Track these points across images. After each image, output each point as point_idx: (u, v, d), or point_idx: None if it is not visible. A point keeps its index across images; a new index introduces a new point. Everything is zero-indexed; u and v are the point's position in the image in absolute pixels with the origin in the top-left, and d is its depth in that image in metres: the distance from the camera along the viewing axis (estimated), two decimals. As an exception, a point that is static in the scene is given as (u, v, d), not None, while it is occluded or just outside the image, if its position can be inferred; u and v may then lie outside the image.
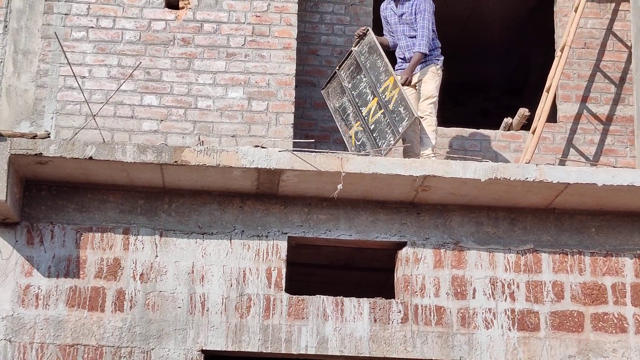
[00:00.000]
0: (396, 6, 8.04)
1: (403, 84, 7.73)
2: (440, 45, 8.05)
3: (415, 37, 7.91)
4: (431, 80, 7.95)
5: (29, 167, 6.89)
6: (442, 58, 8.04)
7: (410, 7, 7.96)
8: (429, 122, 7.81)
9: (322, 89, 8.30)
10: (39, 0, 7.80)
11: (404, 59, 7.96)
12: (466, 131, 8.64)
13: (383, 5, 8.22)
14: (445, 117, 8.82)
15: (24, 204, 7.13)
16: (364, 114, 7.82)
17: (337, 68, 8.19)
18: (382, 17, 8.18)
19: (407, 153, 7.71)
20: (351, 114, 8.01)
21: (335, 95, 8.21)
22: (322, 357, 7.13)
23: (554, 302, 7.23)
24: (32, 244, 7.08)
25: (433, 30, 7.99)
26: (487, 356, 7.07)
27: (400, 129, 7.41)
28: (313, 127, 8.45)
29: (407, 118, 7.41)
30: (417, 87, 7.93)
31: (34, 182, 7.14)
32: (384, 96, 7.61)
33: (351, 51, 8.04)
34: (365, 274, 8.59)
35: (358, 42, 8.00)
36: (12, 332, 6.89)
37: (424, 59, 7.99)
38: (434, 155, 7.70)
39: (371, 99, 7.79)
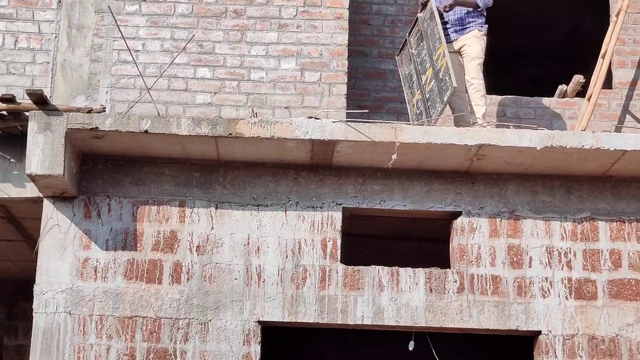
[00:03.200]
0: None
1: (445, 8, 7.96)
2: (485, 14, 8.15)
3: None
4: (476, 43, 8.01)
5: (85, 142, 7.06)
6: (486, 26, 8.10)
7: None
8: (477, 87, 7.89)
9: (397, 55, 8.44)
10: (93, -26, 7.80)
11: (446, 23, 8.09)
12: (520, 99, 8.69)
13: None
14: (496, 85, 8.84)
15: (81, 177, 7.28)
16: (422, 82, 7.92)
17: (408, 35, 8.31)
18: None
19: (458, 122, 7.75)
20: (415, 82, 8.11)
21: (406, 62, 8.34)
22: (378, 327, 7.30)
23: (611, 270, 7.26)
24: (89, 218, 7.27)
25: None
26: (544, 325, 7.14)
27: (445, 98, 7.51)
28: (366, 97, 8.48)
29: (450, 87, 7.47)
30: (461, 53, 8.06)
31: (90, 156, 7.33)
32: (437, 64, 7.69)
33: (417, 18, 8.11)
34: (420, 244, 8.67)
35: (422, 9, 8.07)
36: (71, 305, 7.07)
37: (468, 25, 8.10)
38: (487, 123, 7.73)
39: (428, 66, 7.87)
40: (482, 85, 7.88)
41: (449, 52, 7.66)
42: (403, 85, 8.30)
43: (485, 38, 8.04)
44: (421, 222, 7.89)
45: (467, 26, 8.06)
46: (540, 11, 11.31)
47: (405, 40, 8.27)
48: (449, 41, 7.89)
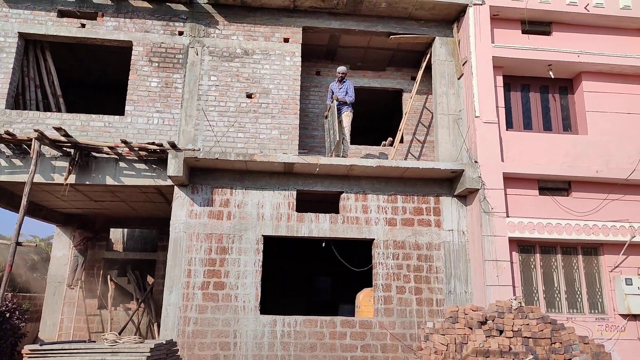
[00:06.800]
0: (338, 85, 7.85)
1: (337, 100, 7.58)
2: (352, 106, 7.86)
3: (346, 95, 7.77)
4: (348, 117, 7.81)
5: (191, 162, 7.19)
6: (352, 110, 7.87)
7: (345, 85, 7.81)
8: (347, 139, 7.76)
9: (325, 118, 8.04)
10: (195, 94, 7.56)
11: (339, 102, 7.74)
12: (367, 147, 8.62)
13: (331, 84, 8.01)
14: (362, 140, 8.81)
15: (190, 177, 7.37)
16: (330, 134, 7.79)
17: (325, 112, 8.08)
18: (329, 89, 8.00)
19: (342, 155, 7.66)
20: (327, 133, 7.89)
21: (326, 123, 8.00)
22: (311, 237, 7.39)
23: (403, 214, 7.49)
24: (193, 193, 7.36)
25: (354, 95, 7.81)
26: (376, 236, 7.40)
27: (334, 144, 7.55)
28: (306, 146, 8.30)
29: (336, 139, 7.46)
30: (342, 120, 7.75)
31: (193, 168, 7.40)
32: (334, 127, 7.66)
33: (328, 109, 7.87)
34: (327, 204, 7.97)
35: (330, 104, 7.82)
36: (185, 228, 7.23)
37: (347, 106, 7.77)
38: (355, 157, 7.85)
39: (332, 127, 7.73)
40: (349, 138, 7.74)
41: (338, 121, 7.71)
42: (325, 133, 7.94)
43: (352, 115, 7.84)
44: (328, 195, 7.72)
45: (345, 109, 7.79)
46: (373, 117, 10.53)
47: (326, 115, 8.00)
48: (340, 115, 7.78)
